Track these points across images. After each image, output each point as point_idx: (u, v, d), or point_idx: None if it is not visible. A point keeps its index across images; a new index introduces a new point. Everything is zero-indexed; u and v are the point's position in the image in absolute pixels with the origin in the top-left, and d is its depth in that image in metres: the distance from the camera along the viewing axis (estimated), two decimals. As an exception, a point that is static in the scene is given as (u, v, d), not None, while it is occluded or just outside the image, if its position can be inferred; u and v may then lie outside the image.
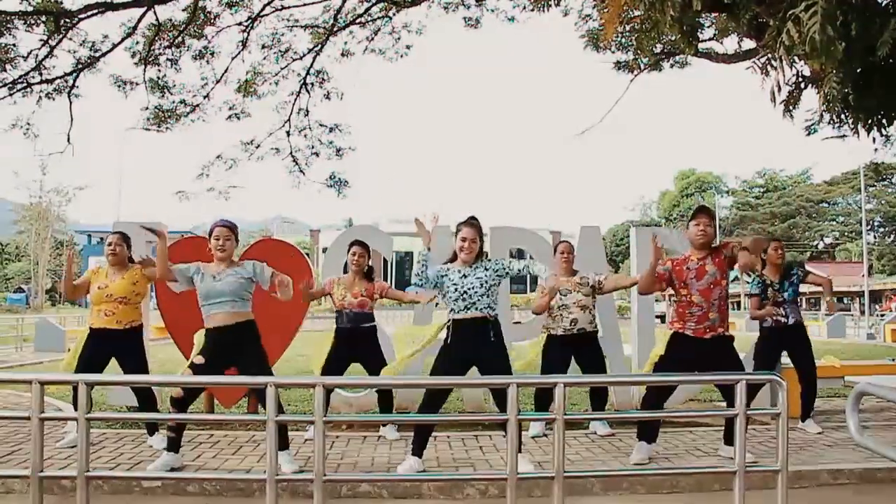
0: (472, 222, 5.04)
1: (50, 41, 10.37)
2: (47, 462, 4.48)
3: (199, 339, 4.99)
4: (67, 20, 10.16)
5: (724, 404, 5.22)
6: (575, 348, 5.93)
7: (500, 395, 4.76)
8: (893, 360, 9.07)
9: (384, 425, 6.12)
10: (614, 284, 6.24)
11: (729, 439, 5.34)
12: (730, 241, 5.32)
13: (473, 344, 4.87)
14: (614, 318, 7.13)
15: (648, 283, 5.23)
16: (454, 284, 4.89)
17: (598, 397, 6.18)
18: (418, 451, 4.89)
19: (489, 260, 5.13)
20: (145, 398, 5.70)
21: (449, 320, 4.93)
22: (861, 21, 3.82)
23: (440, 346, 4.99)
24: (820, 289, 7.06)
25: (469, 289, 4.86)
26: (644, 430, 5.28)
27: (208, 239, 5.07)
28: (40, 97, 10.94)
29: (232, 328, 4.90)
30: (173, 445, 4.92)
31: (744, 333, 22.26)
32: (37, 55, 10.46)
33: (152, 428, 5.74)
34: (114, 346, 5.51)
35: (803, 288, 6.67)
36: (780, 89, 4.22)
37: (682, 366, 5.08)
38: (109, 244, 5.62)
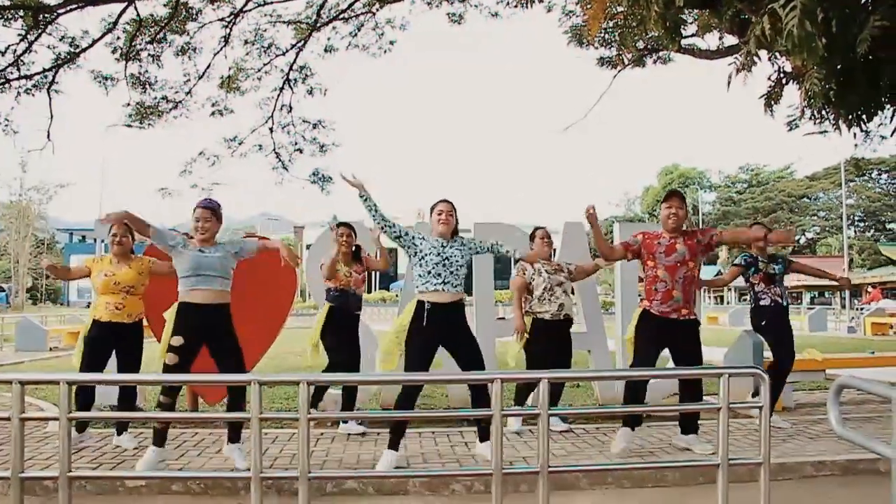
0: (446, 199, 5.15)
1: (28, 36, 10.26)
2: (28, 463, 4.43)
3: (170, 315, 4.90)
4: (46, 15, 10.06)
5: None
6: (557, 336, 5.93)
7: (478, 389, 4.86)
8: (874, 353, 9.16)
9: (346, 421, 6.05)
10: (583, 270, 6.28)
11: (687, 429, 5.43)
12: (712, 229, 5.41)
13: (448, 328, 4.92)
14: (598, 313, 7.15)
15: (604, 248, 5.47)
16: (433, 250, 4.92)
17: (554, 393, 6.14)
18: (394, 445, 4.88)
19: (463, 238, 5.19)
20: (127, 396, 5.66)
21: (427, 303, 4.87)
22: (841, 17, 3.84)
23: (413, 327, 4.91)
24: (805, 280, 7.02)
25: (449, 257, 4.91)
26: (629, 416, 5.40)
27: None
28: (19, 93, 10.83)
29: (215, 308, 4.87)
30: (160, 439, 4.88)
31: (727, 328, 22.50)
32: (15, 50, 10.35)
33: (121, 427, 5.69)
34: (120, 341, 5.50)
35: (787, 281, 6.72)
36: (738, 72, 4.25)
37: (652, 343, 5.31)
38: (115, 234, 5.57)
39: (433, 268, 4.88)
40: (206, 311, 4.85)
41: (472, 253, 5.12)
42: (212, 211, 5.00)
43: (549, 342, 5.89)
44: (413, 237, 5.02)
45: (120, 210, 4.98)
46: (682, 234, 5.33)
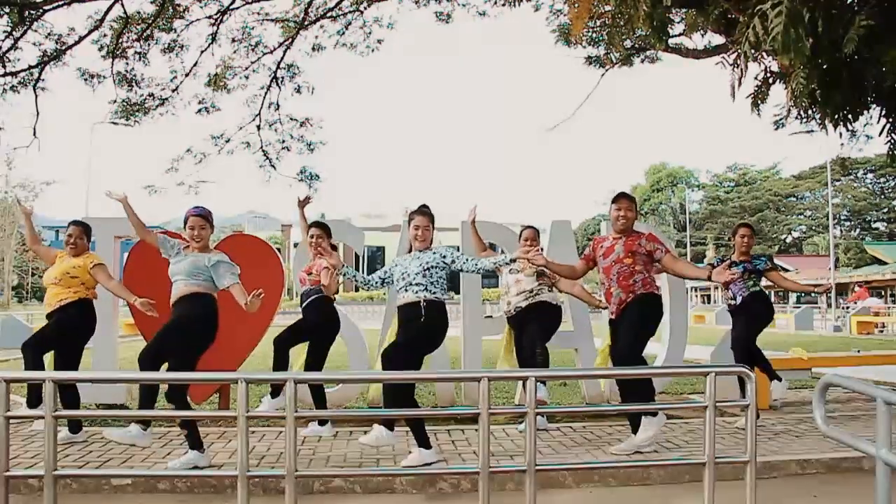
0: (424, 210, 5.17)
1: (14, 33, 10.18)
2: (13, 461, 4.40)
3: None
4: (32, 11, 9.98)
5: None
6: (521, 324, 5.99)
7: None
8: (859, 351, 9.23)
9: (321, 422, 5.79)
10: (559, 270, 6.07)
11: (635, 429, 5.33)
12: (660, 245, 5.27)
13: (407, 327, 5.00)
14: (585, 312, 7.16)
15: (566, 271, 5.57)
16: (397, 269, 5.12)
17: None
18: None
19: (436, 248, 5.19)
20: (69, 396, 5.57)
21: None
22: (827, 18, 3.87)
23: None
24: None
25: (407, 269, 5.02)
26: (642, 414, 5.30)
27: (183, 228, 5.04)
28: (4, 90, 10.76)
29: (177, 302, 4.91)
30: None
31: (713, 326, 22.62)
32: (0, 47, 10.26)
33: (75, 426, 5.63)
34: (48, 329, 5.52)
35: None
36: (740, 84, 4.28)
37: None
38: (70, 236, 5.60)
39: (397, 282, 5.08)
40: (174, 307, 4.93)
41: (443, 260, 5.03)
42: (204, 218, 5.03)
43: (518, 333, 6.01)
44: (391, 273, 5.22)
45: (122, 193, 5.06)
46: (627, 235, 5.29)
